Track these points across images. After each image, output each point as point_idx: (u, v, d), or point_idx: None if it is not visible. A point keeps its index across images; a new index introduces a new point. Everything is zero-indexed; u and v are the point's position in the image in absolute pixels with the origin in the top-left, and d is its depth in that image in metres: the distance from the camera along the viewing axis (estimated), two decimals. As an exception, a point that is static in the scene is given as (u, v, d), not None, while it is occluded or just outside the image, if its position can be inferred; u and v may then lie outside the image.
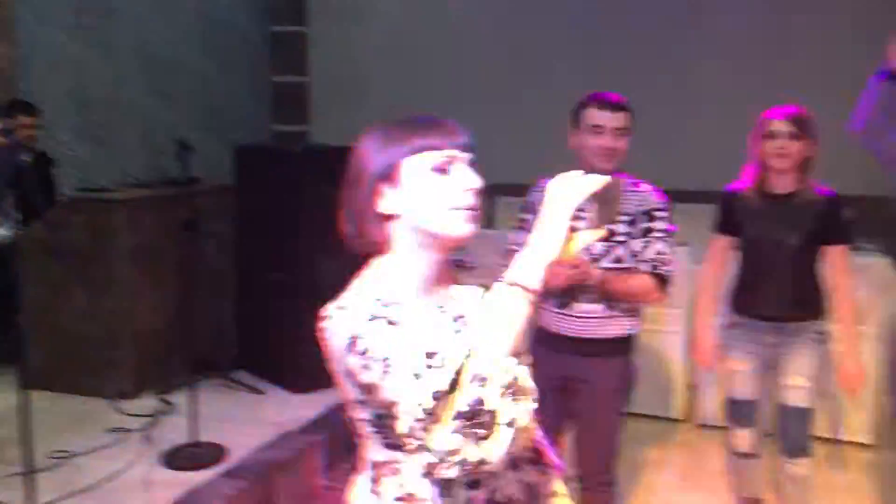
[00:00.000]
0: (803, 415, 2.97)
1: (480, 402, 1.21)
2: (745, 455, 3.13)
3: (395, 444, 1.34)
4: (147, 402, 3.90)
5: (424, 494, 1.35)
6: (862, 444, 4.07)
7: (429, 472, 1.27)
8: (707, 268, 3.12)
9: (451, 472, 1.23)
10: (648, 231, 2.64)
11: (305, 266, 4.03)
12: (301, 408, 3.85)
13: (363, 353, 1.27)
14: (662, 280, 2.64)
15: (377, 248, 1.42)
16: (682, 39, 5.83)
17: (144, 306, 4.06)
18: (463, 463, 1.23)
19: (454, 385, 1.21)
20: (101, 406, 3.83)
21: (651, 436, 4.20)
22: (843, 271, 2.94)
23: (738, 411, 3.09)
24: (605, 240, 2.59)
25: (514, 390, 1.23)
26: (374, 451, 1.41)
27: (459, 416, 1.20)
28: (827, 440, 3.97)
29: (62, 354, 3.96)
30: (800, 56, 5.59)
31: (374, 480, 1.41)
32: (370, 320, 1.30)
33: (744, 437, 3.10)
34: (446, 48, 6.64)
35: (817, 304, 2.98)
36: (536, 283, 1.30)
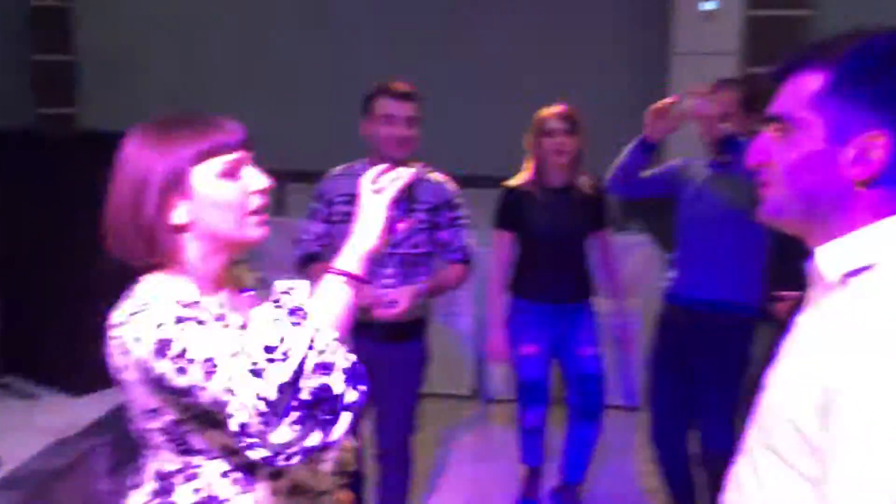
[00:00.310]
0: (593, 380, 3.21)
1: (327, 388, 1.20)
2: (535, 430, 3.34)
3: (191, 449, 1.35)
4: None
5: (226, 494, 1.36)
6: (628, 408, 4.44)
7: (267, 465, 1.25)
8: (494, 263, 3.26)
9: (295, 461, 1.21)
10: (454, 220, 2.75)
11: (78, 262, 3.76)
12: (80, 411, 3.60)
13: (179, 356, 1.24)
14: (469, 265, 2.80)
15: (166, 259, 1.38)
16: (471, 26, 6.05)
17: None
18: (307, 450, 1.21)
19: (297, 376, 1.19)
20: None
21: (442, 413, 4.35)
22: (611, 253, 3.21)
23: (530, 392, 3.27)
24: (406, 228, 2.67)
25: (350, 376, 1.24)
26: (164, 460, 1.39)
27: (303, 405, 1.19)
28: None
29: None
30: (571, 56, 6.01)
31: (164, 492, 1.39)
32: (178, 323, 1.27)
33: (535, 415, 3.30)
34: (227, 26, 6.43)
35: (592, 284, 3.24)
36: (361, 272, 1.33)
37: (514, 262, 3.26)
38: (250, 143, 1.42)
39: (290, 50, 6.29)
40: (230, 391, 1.20)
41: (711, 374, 2.85)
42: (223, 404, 1.21)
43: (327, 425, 1.20)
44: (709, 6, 5.95)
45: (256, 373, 1.18)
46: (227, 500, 1.37)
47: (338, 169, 2.85)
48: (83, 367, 3.79)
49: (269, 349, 1.19)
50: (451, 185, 2.82)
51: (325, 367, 1.20)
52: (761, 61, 5.96)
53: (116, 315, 1.34)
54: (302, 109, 6.31)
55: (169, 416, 1.35)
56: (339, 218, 2.71)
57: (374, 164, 2.72)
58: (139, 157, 1.37)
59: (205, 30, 6.43)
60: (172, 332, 1.26)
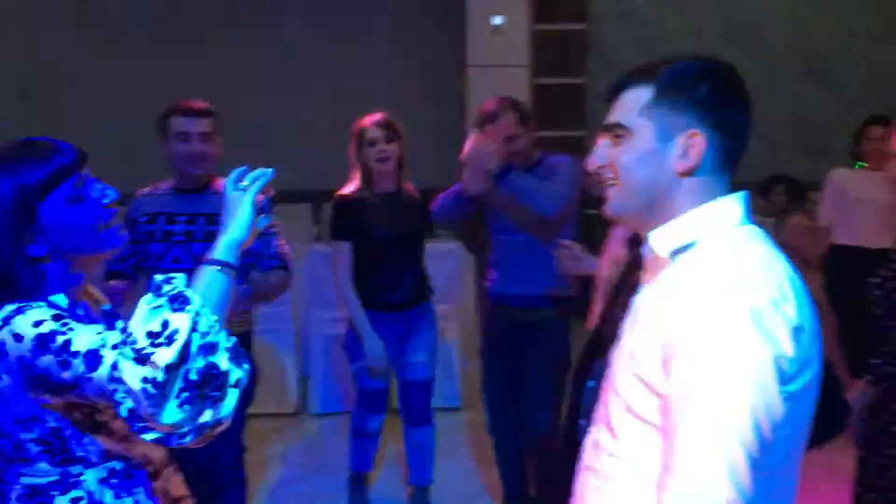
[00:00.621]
0: (426, 386, 3.29)
1: (214, 366, 1.24)
2: (372, 436, 3.37)
3: (70, 458, 1.36)
4: None
5: (108, 501, 1.38)
6: (451, 409, 4.58)
7: (162, 445, 1.29)
8: (340, 273, 3.16)
9: (189, 440, 1.25)
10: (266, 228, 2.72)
11: None
12: None
13: (62, 349, 1.25)
14: (289, 271, 2.78)
15: (25, 291, 1.37)
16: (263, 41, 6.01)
17: None
18: (201, 428, 1.24)
19: (183, 358, 1.22)
20: None
21: (269, 432, 4.29)
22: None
23: (370, 401, 3.29)
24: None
25: (234, 355, 1.28)
26: (38, 474, 1.37)
27: (191, 384, 1.22)
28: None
29: None
30: (366, 65, 6.14)
31: None
32: (55, 318, 1.29)
33: (374, 423, 3.34)
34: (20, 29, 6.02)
35: (427, 287, 3.31)
36: (235, 261, 1.39)
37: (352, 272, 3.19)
38: (85, 158, 1.43)
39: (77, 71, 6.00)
40: (117, 380, 1.22)
41: (537, 364, 3.01)
42: (111, 393, 1.23)
43: (217, 402, 1.25)
44: (496, 20, 6.29)
45: (142, 359, 1.21)
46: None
47: (143, 190, 2.79)
48: None
49: (153, 335, 1.22)
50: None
51: (209, 348, 1.25)
52: (547, 72, 6.40)
53: None
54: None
55: (47, 424, 1.36)
56: (142, 238, 2.66)
57: (177, 183, 2.70)
58: None
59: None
60: (53, 326, 1.29)
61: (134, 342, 1.23)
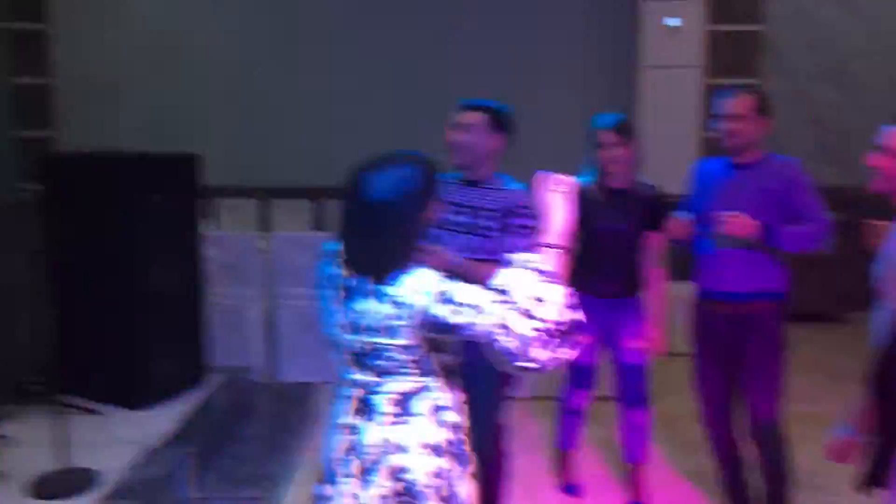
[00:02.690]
0: (640, 369, 3.52)
1: (568, 320, 1.77)
2: (577, 413, 3.63)
3: (427, 371, 1.85)
4: (-32, 438, 3.54)
5: (444, 401, 1.89)
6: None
7: (527, 372, 1.78)
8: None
9: (549, 368, 1.78)
10: (518, 227, 2.92)
11: (135, 279, 3.90)
12: (148, 423, 3.73)
13: (453, 300, 1.75)
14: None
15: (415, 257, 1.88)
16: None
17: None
18: (556, 360, 1.77)
19: (553, 315, 1.75)
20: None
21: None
22: (659, 253, 3.50)
23: (578, 376, 3.57)
24: (467, 233, 2.88)
25: (573, 307, 1.79)
26: (404, 384, 1.85)
27: (554, 332, 1.73)
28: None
29: None
30: (542, 67, 6.39)
31: (405, 409, 1.84)
32: (447, 280, 1.81)
33: (579, 398, 3.59)
34: (200, 48, 6.55)
35: (639, 280, 3.53)
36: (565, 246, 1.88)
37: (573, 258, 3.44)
38: None
39: (262, 70, 6.48)
40: (504, 327, 1.70)
41: (758, 357, 3.17)
42: (491, 335, 1.71)
43: (568, 343, 1.75)
44: (672, 22, 6.43)
45: (528, 314, 1.70)
46: (446, 406, 1.88)
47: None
48: (142, 382, 3.94)
49: (536, 298, 1.72)
50: (520, 194, 2.89)
51: (569, 306, 1.74)
52: (723, 73, 6.49)
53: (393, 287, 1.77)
54: (273, 127, 6.50)
55: (420, 349, 1.81)
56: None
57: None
58: None
59: (177, 53, 6.55)
60: (447, 286, 1.76)
61: (518, 301, 1.71)
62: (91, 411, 3.85)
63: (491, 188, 2.92)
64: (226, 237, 5.04)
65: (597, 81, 6.64)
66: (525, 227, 2.87)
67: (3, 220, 4.00)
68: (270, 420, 4.34)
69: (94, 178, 3.93)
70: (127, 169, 3.91)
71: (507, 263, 1.80)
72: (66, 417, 3.35)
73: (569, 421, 3.70)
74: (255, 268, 4.84)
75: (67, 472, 3.13)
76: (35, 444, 3.41)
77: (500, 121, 2.92)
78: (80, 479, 3.11)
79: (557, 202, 1.89)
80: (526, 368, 1.73)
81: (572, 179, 1.94)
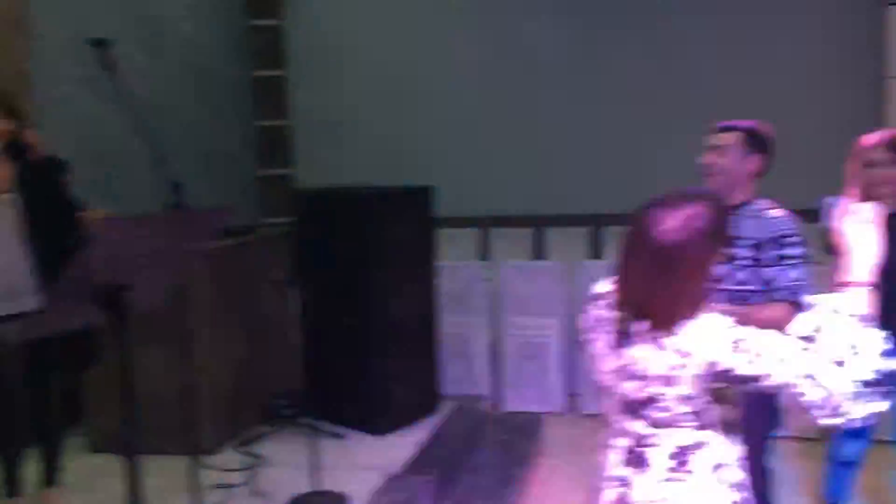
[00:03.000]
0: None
1: (888, 370, 1.55)
2: (853, 464, 3.30)
3: (706, 424, 1.69)
4: (229, 456, 3.81)
5: (727, 459, 1.72)
6: None
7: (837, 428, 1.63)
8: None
9: (858, 424, 1.56)
10: (781, 258, 2.73)
11: (375, 308, 4.05)
12: (389, 449, 3.85)
13: (748, 352, 1.61)
14: (798, 307, 2.74)
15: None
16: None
17: (218, 360, 3.97)
18: (869, 417, 1.56)
19: (873, 366, 1.56)
20: (186, 464, 3.72)
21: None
22: None
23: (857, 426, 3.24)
24: (727, 262, 2.71)
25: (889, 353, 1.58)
26: (681, 437, 1.70)
27: (871, 383, 1.53)
28: None
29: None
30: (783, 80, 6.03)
31: (681, 463, 1.70)
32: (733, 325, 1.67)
33: (856, 447, 3.26)
34: (425, 90, 6.76)
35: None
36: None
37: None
38: None
39: (477, 102, 6.59)
40: (810, 377, 1.54)
41: None
42: (792, 386, 1.56)
43: (884, 396, 1.53)
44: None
45: (838, 362, 1.54)
46: (727, 463, 1.72)
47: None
48: (383, 409, 4.08)
49: (850, 346, 1.54)
50: (786, 221, 2.71)
51: (887, 353, 1.54)
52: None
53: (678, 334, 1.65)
54: (495, 157, 6.57)
55: (701, 399, 1.66)
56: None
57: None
58: None
59: (404, 93, 6.80)
60: (741, 333, 1.62)
61: (828, 350, 1.55)
62: (337, 436, 4.02)
63: (749, 215, 2.75)
64: (452, 267, 5.14)
65: (840, 96, 6.18)
66: (793, 257, 2.69)
67: (254, 252, 4.30)
68: (500, 450, 4.34)
69: (337, 212, 4.15)
70: (366, 202, 4.08)
71: (808, 306, 1.66)
72: (316, 441, 3.52)
73: (842, 473, 3.37)
74: (481, 297, 4.90)
75: (321, 494, 3.27)
76: (286, 464, 3.62)
77: (757, 141, 2.75)
78: (332, 503, 3.24)
79: (862, 233, 1.68)
80: (834, 423, 1.56)
81: (878, 206, 1.72)
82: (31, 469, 3.17)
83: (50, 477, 3.19)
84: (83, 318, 2.30)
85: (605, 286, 1.82)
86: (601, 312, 1.80)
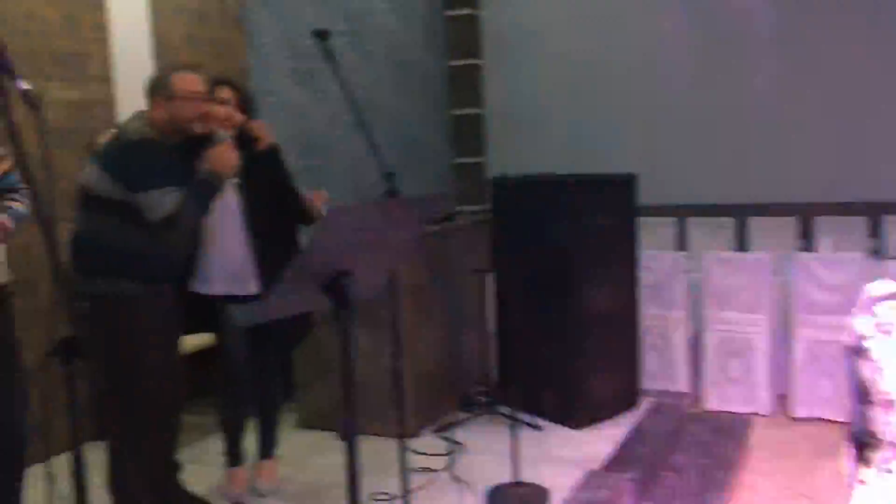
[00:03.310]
0: None
1: None
2: None
3: None
4: (428, 441, 3.88)
5: None
6: None
7: None
8: None
9: None
10: None
11: (575, 297, 3.98)
12: (587, 444, 3.79)
13: None
14: None
15: None
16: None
17: (421, 345, 4.05)
18: None
19: None
20: (392, 446, 3.82)
21: None
22: None
23: None
24: None
25: None
26: None
27: None
28: None
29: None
30: None
31: None
32: None
33: None
34: (619, 76, 6.58)
35: None
36: None
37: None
38: None
39: (679, 88, 6.31)
40: None
41: None
42: None
43: None
44: None
45: None
46: None
47: None
48: (583, 402, 4.01)
49: None
50: None
51: None
52: None
53: None
54: (694, 145, 6.27)
55: None
56: None
57: None
58: None
59: (596, 82, 6.65)
60: None
61: None
62: (534, 427, 4.00)
63: None
64: (651, 257, 4.96)
65: None
66: None
67: (454, 240, 4.35)
68: (703, 451, 4.16)
69: (537, 200, 4.11)
70: (570, 191, 4.01)
71: None
72: (515, 431, 3.50)
73: None
74: (682, 288, 4.70)
75: (521, 486, 3.26)
76: (482, 452, 3.64)
77: None
78: (534, 496, 3.22)
79: None
80: None
81: None
82: (249, 441, 3.35)
83: (267, 450, 3.38)
84: (308, 304, 2.40)
85: (886, 286, 1.64)
86: (886, 317, 1.62)
